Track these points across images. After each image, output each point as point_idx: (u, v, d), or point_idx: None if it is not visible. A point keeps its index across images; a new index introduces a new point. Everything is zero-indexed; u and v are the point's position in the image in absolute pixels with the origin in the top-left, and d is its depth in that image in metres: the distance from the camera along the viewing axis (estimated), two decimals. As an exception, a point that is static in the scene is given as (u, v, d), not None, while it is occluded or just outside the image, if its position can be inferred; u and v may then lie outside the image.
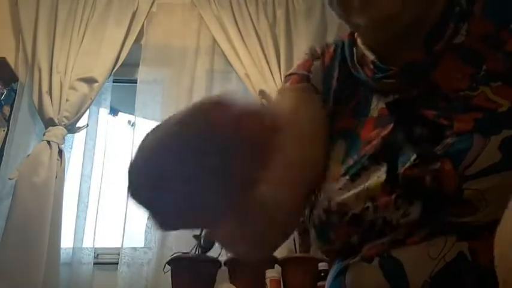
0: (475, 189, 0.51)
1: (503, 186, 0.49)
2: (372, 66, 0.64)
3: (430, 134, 0.56)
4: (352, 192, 0.58)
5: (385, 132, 0.59)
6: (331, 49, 0.73)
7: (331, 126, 0.67)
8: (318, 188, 0.63)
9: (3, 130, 2.22)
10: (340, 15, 0.63)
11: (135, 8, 2.48)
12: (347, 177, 0.60)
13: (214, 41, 2.47)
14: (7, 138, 2.22)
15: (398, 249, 0.55)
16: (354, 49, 0.69)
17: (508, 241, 0.32)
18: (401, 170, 0.55)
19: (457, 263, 0.51)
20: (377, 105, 0.63)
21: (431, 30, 0.60)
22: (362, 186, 0.57)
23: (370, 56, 0.65)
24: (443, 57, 0.59)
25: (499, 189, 0.50)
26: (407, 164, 0.55)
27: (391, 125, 0.59)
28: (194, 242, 1.86)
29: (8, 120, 2.25)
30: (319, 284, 1.76)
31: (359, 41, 0.69)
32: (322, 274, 1.73)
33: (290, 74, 0.75)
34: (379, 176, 0.56)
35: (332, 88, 0.69)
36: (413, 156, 0.55)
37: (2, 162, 2.17)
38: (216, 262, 1.87)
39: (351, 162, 0.61)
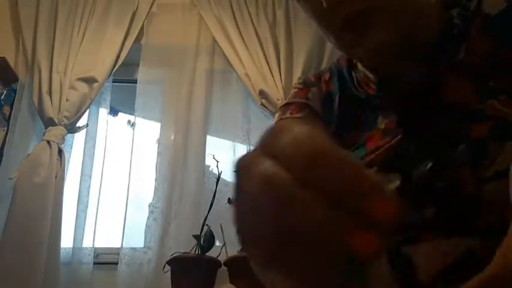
0: (492, 192, 0.52)
1: None
2: (373, 86, 0.66)
3: (444, 142, 0.57)
4: None
5: (393, 141, 0.60)
6: (327, 76, 0.74)
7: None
8: None
9: (3, 130, 2.22)
10: (338, 48, 0.64)
11: (135, 8, 2.48)
12: None
13: (214, 41, 2.47)
14: (7, 138, 2.22)
15: (408, 246, 0.56)
16: (353, 73, 0.70)
17: None
18: (416, 176, 0.56)
19: (467, 260, 0.52)
20: (382, 120, 0.63)
21: (433, 50, 0.61)
22: None
23: (371, 77, 0.66)
24: (446, 75, 0.60)
25: None
26: (422, 171, 0.56)
27: (399, 136, 0.60)
28: (194, 242, 1.86)
29: (8, 120, 2.25)
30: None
31: (359, 65, 0.69)
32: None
33: (287, 104, 0.74)
34: (389, 183, 0.57)
35: (334, 113, 0.69)
36: (429, 164, 0.56)
37: (2, 162, 2.17)
38: (216, 262, 1.87)
39: None
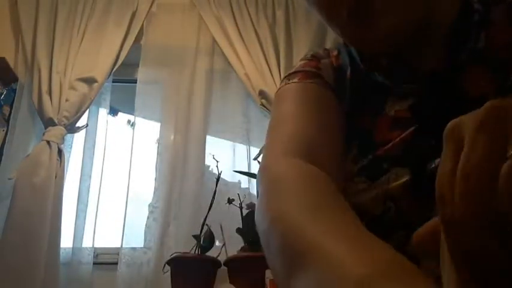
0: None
1: None
2: (387, 70, 0.63)
3: None
4: (370, 193, 0.56)
5: (405, 134, 0.57)
6: (335, 52, 0.71)
7: (348, 125, 0.64)
8: None
9: (3, 130, 2.22)
10: (345, 41, 0.62)
11: (135, 8, 2.48)
12: (363, 178, 0.58)
13: (214, 41, 2.47)
14: (7, 138, 2.22)
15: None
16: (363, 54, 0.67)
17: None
18: (428, 171, 0.52)
19: None
20: (393, 106, 0.61)
21: (453, 37, 0.59)
22: (381, 188, 0.55)
23: (384, 60, 0.64)
24: (467, 64, 0.57)
25: None
26: (433, 166, 0.52)
27: (412, 128, 0.57)
28: (194, 242, 1.86)
29: (8, 120, 2.25)
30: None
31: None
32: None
33: (294, 72, 0.68)
34: (400, 177, 0.55)
35: (347, 88, 0.66)
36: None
37: (2, 162, 2.17)
38: (216, 262, 1.87)
39: (365, 162, 0.59)
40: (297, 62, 0.72)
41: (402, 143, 0.56)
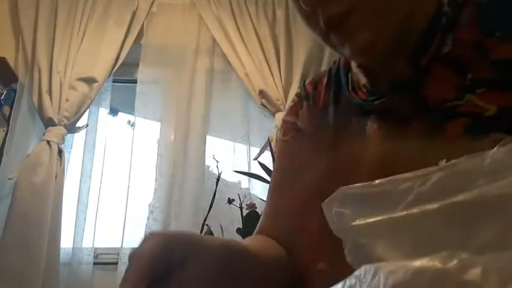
0: None
1: None
2: (364, 90, 0.65)
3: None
4: None
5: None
6: (325, 81, 0.74)
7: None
8: None
9: (3, 130, 2.22)
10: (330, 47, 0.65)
11: (135, 8, 2.48)
12: None
13: (214, 41, 2.47)
14: (7, 138, 2.22)
15: None
16: (349, 75, 0.69)
17: None
18: None
19: None
20: (372, 125, 0.63)
21: (418, 43, 0.59)
22: None
23: (363, 80, 0.66)
24: (430, 69, 0.58)
25: None
26: None
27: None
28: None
29: (8, 120, 2.25)
30: None
31: (353, 64, 0.69)
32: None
33: (283, 121, 0.79)
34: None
35: (330, 124, 0.70)
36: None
37: (2, 162, 2.17)
38: (216, 262, 1.86)
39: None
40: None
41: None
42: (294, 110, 0.77)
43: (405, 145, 0.58)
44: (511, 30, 0.55)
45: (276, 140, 2.00)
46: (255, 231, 0.75)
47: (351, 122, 0.67)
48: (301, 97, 0.77)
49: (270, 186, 0.79)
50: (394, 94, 0.61)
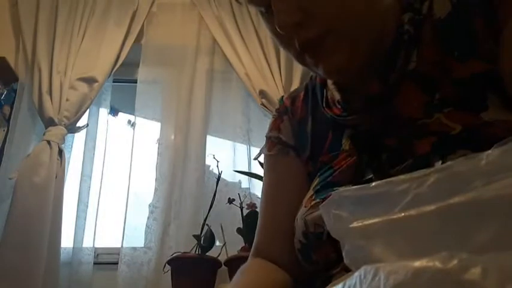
0: None
1: None
2: (339, 106, 0.67)
3: (390, 159, 0.58)
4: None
5: (350, 161, 0.62)
6: (301, 96, 0.77)
7: (313, 166, 0.72)
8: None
9: (3, 130, 2.23)
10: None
11: (135, 8, 2.48)
12: (317, 199, 0.63)
13: (214, 41, 2.47)
14: (7, 138, 2.22)
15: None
16: (325, 91, 0.71)
17: None
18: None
19: None
20: (347, 140, 0.66)
21: (384, 60, 0.61)
22: None
23: (337, 96, 0.68)
24: (399, 85, 0.60)
25: None
26: (366, 179, 0.58)
27: (356, 155, 0.62)
28: (194, 242, 1.86)
29: (8, 120, 2.26)
30: None
31: (328, 81, 0.71)
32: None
33: (267, 137, 0.81)
34: None
35: (308, 137, 0.73)
36: (369, 177, 0.58)
37: (2, 162, 2.17)
38: (216, 262, 1.87)
39: (318, 186, 0.65)
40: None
41: (347, 167, 0.62)
42: (276, 124, 0.80)
43: (377, 160, 0.60)
44: (467, 47, 0.56)
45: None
46: (251, 253, 0.76)
47: (327, 135, 0.69)
48: (280, 112, 0.80)
49: (262, 202, 0.80)
50: (366, 111, 0.63)
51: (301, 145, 0.75)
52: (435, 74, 0.58)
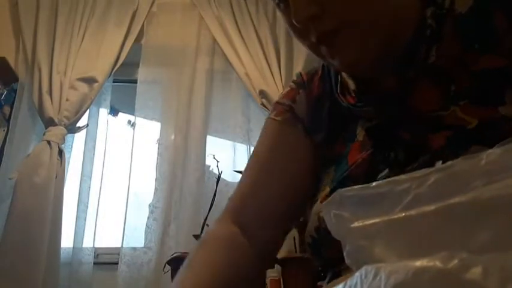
0: None
1: None
2: (353, 95, 0.67)
3: (405, 154, 0.57)
4: None
5: (365, 155, 0.61)
6: (319, 73, 0.75)
7: (327, 152, 0.69)
8: (310, 210, 0.66)
9: (3, 130, 2.23)
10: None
11: (135, 8, 2.48)
12: None
13: (214, 41, 2.47)
14: (7, 138, 2.22)
15: None
16: (339, 77, 0.71)
17: None
18: None
19: None
20: (361, 131, 0.65)
21: (403, 55, 0.61)
22: None
23: (352, 85, 0.67)
24: (416, 80, 0.60)
25: None
26: (380, 176, 0.58)
27: (371, 149, 0.62)
28: (194, 242, 1.86)
29: (8, 120, 2.26)
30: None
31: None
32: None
33: (276, 103, 0.78)
34: None
35: (324, 117, 0.71)
36: (385, 172, 0.58)
37: (2, 162, 2.17)
38: (216, 262, 1.86)
39: (335, 183, 0.64)
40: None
41: (362, 162, 0.61)
42: (291, 94, 0.76)
43: (391, 154, 0.59)
44: (487, 42, 0.56)
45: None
46: (223, 211, 0.73)
47: (343, 123, 0.68)
48: (298, 84, 0.77)
49: (250, 160, 0.76)
50: (381, 104, 0.62)
51: (314, 126, 0.72)
52: (452, 66, 0.58)
